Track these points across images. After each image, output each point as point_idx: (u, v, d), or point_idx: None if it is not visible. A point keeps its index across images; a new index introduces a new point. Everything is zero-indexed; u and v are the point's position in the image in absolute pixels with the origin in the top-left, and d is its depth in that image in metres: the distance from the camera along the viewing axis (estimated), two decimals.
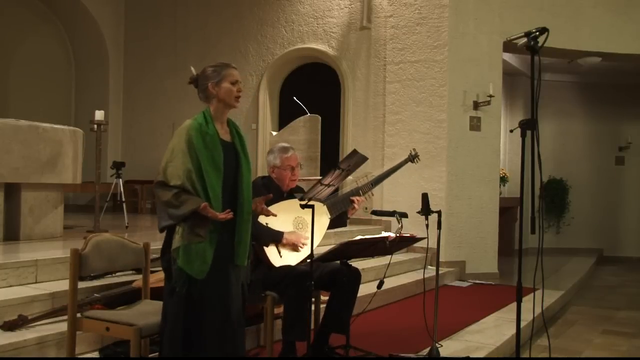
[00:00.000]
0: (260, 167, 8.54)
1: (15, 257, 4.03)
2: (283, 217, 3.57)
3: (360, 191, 3.88)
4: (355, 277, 3.70)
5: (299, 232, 3.66)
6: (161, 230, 2.82)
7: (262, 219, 3.39)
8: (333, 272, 3.64)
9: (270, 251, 3.52)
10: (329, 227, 3.83)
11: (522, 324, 3.24)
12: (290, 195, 3.82)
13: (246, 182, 2.88)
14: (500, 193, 8.56)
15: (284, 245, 3.57)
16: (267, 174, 3.91)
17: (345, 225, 3.96)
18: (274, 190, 3.71)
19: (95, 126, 6.11)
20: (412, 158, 4.18)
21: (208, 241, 2.72)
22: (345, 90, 8.13)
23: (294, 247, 3.59)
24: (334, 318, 3.65)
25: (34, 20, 10.38)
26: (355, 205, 3.83)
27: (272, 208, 3.36)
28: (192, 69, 2.94)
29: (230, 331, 2.78)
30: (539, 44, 3.03)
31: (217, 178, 2.75)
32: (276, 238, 3.55)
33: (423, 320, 3.88)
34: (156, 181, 2.75)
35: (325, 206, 3.72)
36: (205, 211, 2.66)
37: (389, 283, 5.50)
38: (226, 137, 2.89)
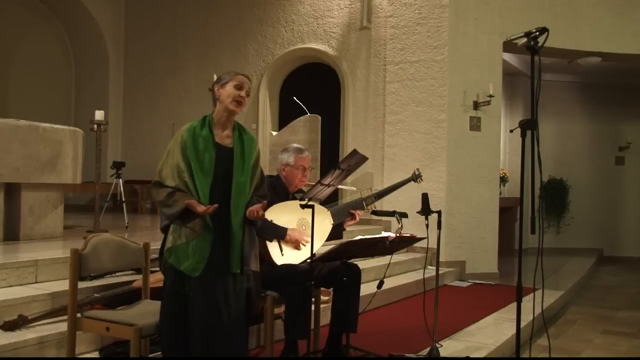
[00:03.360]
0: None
1: (15, 257, 4.03)
2: (287, 217, 3.58)
3: (364, 202, 3.92)
4: (355, 275, 3.70)
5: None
6: (162, 230, 2.87)
7: (267, 216, 3.40)
8: (333, 271, 3.65)
9: (273, 249, 3.52)
10: (327, 239, 3.83)
11: (522, 324, 3.24)
12: (294, 197, 3.82)
13: (236, 186, 2.83)
14: (500, 193, 8.56)
15: (287, 242, 3.58)
16: (274, 174, 3.92)
17: (341, 237, 3.95)
18: (280, 190, 3.74)
19: (95, 126, 6.10)
20: (415, 178, 4.20)
21: (203, 237, 2.74)
22: (345, 90, 8.14)
23: (296, 245, 3.59)
24: (341, 319, 3.66)
25: (34, 20, 10.38)
26: (356, 217, 3.87)
27: (278, 207, 3.37)
28: (215, 76, 2.98)
29: (220, 337, 2.74)
30: (539, 44, 3.03)
31: (205, 179, 2.77)
32: (280, 234, 3.55)
33: (423, 320, 3.88)
34: (153, 182, 2.82)
35: (329, 211, 3.74)
36: (191, 206, 2.68)
37: (389, 283, 5.50)
38: (225, 141, 2.89)
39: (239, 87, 2.88)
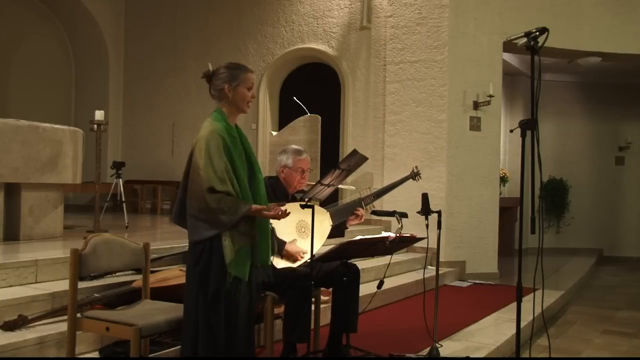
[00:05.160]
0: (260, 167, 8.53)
1: (15, 257, 4.03)
2: (286, 220, 3.55)
3: (363, 202, 3.91)
4: (354, 275, 3.70)
5: (301, 236, 3.64)
6: (200, 242, 2.72)
7: None
8: (332, 271, 3.64)
9: None
10: (328, 237, 3.83)
11: (522, 324, 3.24)
12: (294, 198, 3.81)
13: (260, 180, 2.89)
14: (500, 193, 8.56)
15: (283, 256, 3.53)
16: (274, 175, 3.91)
17: (343, 236, 3.95)
18: (279, 191, 3.72)
19: (95, 126, 6.10)
20: (414, 176, 4.19)
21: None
22: (345, 90, 8.14)
23: (293, 259, 3.56)
24: (341, 319, 3.66)
25: (34, 20, 10.38)
26: (359, 215, 3.85)
27: None
28: (210, 65, 2.92)
29: (252, 331, 2.85)
30: (539, 44, 3.03)
31: (245, 179, 2.76)
32: (278, 248, 3.52)
33: (423, 320, 3.88)
34: (207, 187, 2.63)
35: (328, 212, 3.73)
36: (260, 213, 2.69)
37: (389, 283, 5.50)
38: None
39: (250, 88, 2.88)
